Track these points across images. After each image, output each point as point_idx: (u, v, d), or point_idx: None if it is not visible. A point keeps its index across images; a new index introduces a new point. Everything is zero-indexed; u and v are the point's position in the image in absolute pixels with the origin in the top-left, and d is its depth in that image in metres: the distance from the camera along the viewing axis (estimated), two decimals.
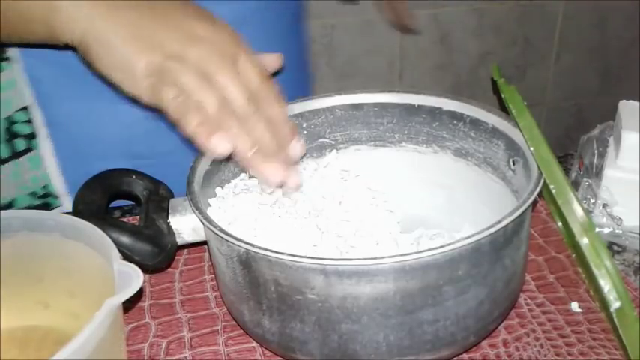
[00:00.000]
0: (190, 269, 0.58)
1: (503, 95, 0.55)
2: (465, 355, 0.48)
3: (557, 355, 0.48)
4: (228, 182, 0.54)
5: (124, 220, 0.63)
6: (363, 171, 0.56)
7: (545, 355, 0.48)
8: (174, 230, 0.51)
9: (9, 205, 0.69)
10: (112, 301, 0.38)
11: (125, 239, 0.49)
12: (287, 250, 0.42)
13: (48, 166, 0.68)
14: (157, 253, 0.50)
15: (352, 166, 0.57)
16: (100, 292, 0.41)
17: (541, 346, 0.49)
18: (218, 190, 0.53)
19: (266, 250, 0.41)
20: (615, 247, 0.59)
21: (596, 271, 0.44)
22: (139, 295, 0.54)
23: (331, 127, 0.58)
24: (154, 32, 0.48)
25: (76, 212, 0.50)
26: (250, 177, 0.55)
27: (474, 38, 1.66)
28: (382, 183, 0.55)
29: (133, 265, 0.41)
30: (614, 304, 0.44)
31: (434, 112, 0.56)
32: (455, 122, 0.56)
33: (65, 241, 0.46)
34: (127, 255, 0.49)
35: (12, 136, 0.66)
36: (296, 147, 0.49)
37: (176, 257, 0.57)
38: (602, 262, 0.44)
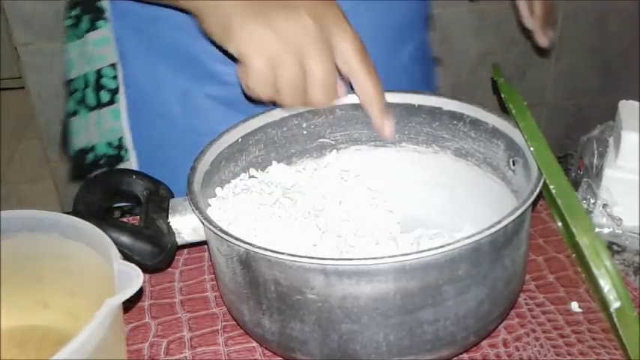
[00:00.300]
0: (190, 269, 0.58)
1: (503, 95, 0.55)
2: (465, 355, 0.48)
3: (557, 355, 0.48)
4: (228, 182, 0.54)
5: (124, 220, 0.63)
6: (363, 171, 0.56)
7: (545, 355, 0.48)
8: (174, 230, 0.51)
9: (91, 149, 0.76)
10: (112, 301, 0.38)
11: (125, 239, 0.49)
12: (287, 250, 0.42)
13: (122, 119, 0.74)
14: (157, 253, 0.50)
15: (352, 166, 0.57)
16: (100, 292, 0.41)
17: (541, 346, 0.49)
18: (218, 190, 0.53)
19: (266, 250, 0.41)
20: (615, 247, 0.59)
21: (596, 271, 0.44)
22: (139, 295, 0.54)
23: (331, 127, 0.58)
24: (265, 5, 0.49)
25: (76, 212, 0.50)
26: (250, 177, 0.55)
27: (473, 38, 1.66)
28: (382, 183, 0.55)
29: (133, 265, 0.40)
30: (614, 304, 0.44)
31: (434, 112, 0.56)
32: (455, 122, 0.56)
33: (65, 241, 0.46)
34: (127, 255, 0.49)
35: (99, 87, 0.73)
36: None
37: (176, 257, 0.57)
38: (602, 262, 0.44)
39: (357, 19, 0.66)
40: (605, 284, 0.44)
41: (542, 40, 0.76)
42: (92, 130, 0.76)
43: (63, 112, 0.81)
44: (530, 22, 0.76)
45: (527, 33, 0.77)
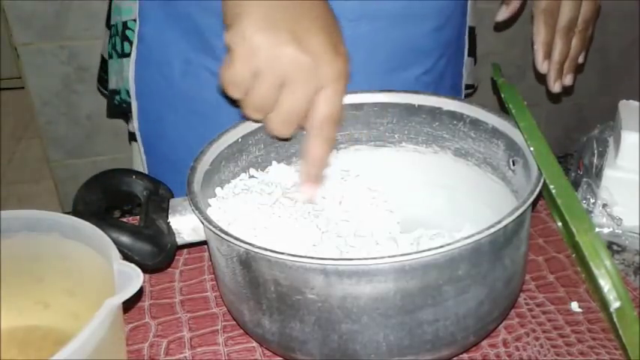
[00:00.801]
0: (190, 269, 0.58)
1: (503, 95, 0.55)
2: (465, 355, 0.48)
3: (557, 355, 0.48)
4: (228, 182, 0.54)
5: (124, 220, 0.63)
6: (363, 171, 0.56)
7: (545, 355, 0.48)
8: (174, 230, 0.51)
9: (118, 92, 0.82)
10: (112, 301, 0.38)
11: (125, 239, 0.49)
12: (287, 250, 0.42)
13: (130, 70, 0.77)
14: (157, 253, 0.50)
15: (352, 166, 0.57)
16: (100, 292, 0.41)
17: (541, 346, 0.49)
18: (218, 190, 0.53)
19: (266, 250, 0.41)
20: (615, 247, 0.59)
21: (596, 271, 0.44)
22: (139, 295, 0.54)
23: None
24: (278, 15, 0.49)
25: (76, 212, 0.50)
26: (250, 177, 0.55)
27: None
28: (382, 183, 0.55)
29: (132, 265, 0.40)
30: (614, 304, 0.44)
31: (434, 112, 0.56)
32: (455, 122, 0.56)
33: (65, 241, 0.46)
34: (126, 255, 0.49)
35: (124, 37, 0.78)
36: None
37: (176, 257, 0.57)
38: (602, 262, 0.44)
39: (358, 31, 0.66)
40: (605, 284, 0.44)
41: (555, 86, 0.69)
42: (119, 76, 0.81)
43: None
44: (542, 67, 0.69)
45: (539, 77, 0.71)
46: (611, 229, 0.59)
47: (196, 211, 0.46)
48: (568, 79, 0.71)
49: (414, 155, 0.58)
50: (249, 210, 0.49)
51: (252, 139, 0.56)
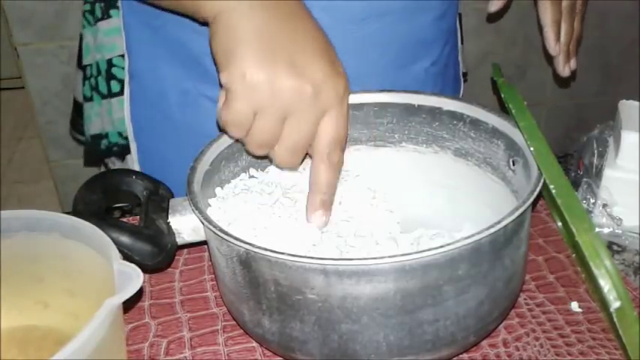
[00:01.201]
0: (190, 269, 0.58)
1: (503, 95, 0.55)
2: (465, 355, 0.48)
3: (557, 355, 0.48)
4: (228, 182, 0.54)
5: (124, 220, 0.63)
6: (363, 171, 0.56)
7: (545, 355, 0.48)
8: (174, 230, 0.51)
9: (105, 136, 0.77)
10: (112, 301, 0.38)
11: (125, 239, 0.49)
12: (287, 250, 0.42)
13: (125, 109, 0.74)
14: (157, 253, 0.50)
15: (352, 166, 0.57)
16: (100, 292, 0.41)
17: (541, 346, 0.49)
18: (218, 190, 0.53)
19: (266, 250, 0.41)
20: (615, 247, 0.59)
21: (596, 271, 0.44)
22: (138, 295, 0.54)
23: None
24: (273, 46, 0.47)
25: (76, 212, 0.50)
26: (250, 177, 0.55)
27: (474, 38, 1.66)
28: (382, 183, 0.55)
29: (132, 265, 0.40)
30: (614, 304, 0.44)
31: (434, 112, 0.56)
32: (455, 122, 0.56)
33: (65, 241, 0.46)
34: (126, 255, 0.49)
35: (110, 77, 0.74)
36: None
37: (176, 257, 0.57)
38: (602, 262, 0.44)
39: (367, 30, 0.65)
40: (605, 284, 0.44)
41: (565, 70, 0.71)
42: (105, 118, 0.77)
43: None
44: (554, 49, 0.69)
45: (549, 59, 0.72)
46: (611, 229, 0.59)
47: (196, 211, 0.46)
48: (573, 62, 0.71)
49: (414, 155, 0.58)
50: (249, 210, 0.49)
51: None
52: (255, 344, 0.50)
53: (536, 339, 0.49)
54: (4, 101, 2.26)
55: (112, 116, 0.76)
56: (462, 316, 0.43)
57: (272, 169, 0.56)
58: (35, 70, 1.55)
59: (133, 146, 0.75)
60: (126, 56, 0.72)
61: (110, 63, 0.74)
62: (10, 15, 1.49)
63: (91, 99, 0.77)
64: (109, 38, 0.73)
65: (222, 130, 0.50)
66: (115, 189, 0.54)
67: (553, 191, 0.46)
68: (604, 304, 0.46)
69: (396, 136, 0.58)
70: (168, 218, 0.51)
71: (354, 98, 0.58)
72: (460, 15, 0.83)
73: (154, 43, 0.69)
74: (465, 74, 0.87)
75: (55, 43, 1.53)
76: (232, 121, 0.48)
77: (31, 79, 1.57)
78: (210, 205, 0.51)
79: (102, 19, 0.73)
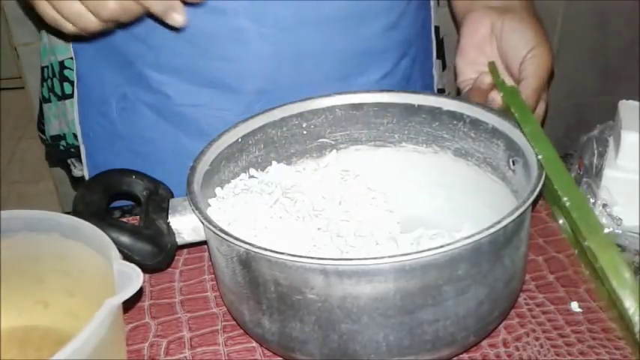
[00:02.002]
0: (190, 269, 0.58)
1: (502, 95, 0.55)
2: (464, 355, 0.48)
3: (557, 355, 0.48)
4: (228, 182, 0.54)
5: (124, 220, 0.63)
6: (363, 171, 0.56)
7: (545, 355, 0.48)
8: (174, 230, 0.51)
9: (63, 137, 0.77)
10: (112, 301, 0.38)
11: (125, 239, 0.49)
12: (287, 250, 0.42)
13: (75, 112, 0.74)
14: (157, 253, 0.50)
15: (352, 166, 0.57)
16: (99, 292, 0.41)
17: (541, 346, 0.49)
18: (218, 190, 0.53)
19: (266, 250, 0.41)
20: None
21: (619, 291, 0.42)
22: (138, 295, 0.54)
23: (331, 127, 0.58)
24: None
25: (76, 212, 0.50)
26: (250, 177, 0.55)
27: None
28: (382, 183, 0.55)
29: (133, 265, 0.40)
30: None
31: (434, 112, 0.56)
32: (455, 122, 0.56)
33: (65, 241, 0.46)
34: (126, 255, 0.49)
35: (62, 78, 0.74)
36: None
37: (176, 257, 0.57)
38: (625, 281, 0.43)
39: (298, 39, 0.63)
40: (631, 306, 0.42)
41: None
42: (62, 120, 0.76)
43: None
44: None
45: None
46: (611, 229, 0.59)
47: (196, 211, 0.46)
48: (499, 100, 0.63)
49: (414, 155, 0.58)
50: (249, 210, 0.49)
51: (252, 139, 0.56)
52: (255, 344, 0.50)
53: (536, 339, 0.49)
54: (4, 101, 2.25)
55: (66, 118, 0.76)
56: (461, 316, 0.43)
57: (272, 169, 0.56)
58: (35, 70, 1.55)
59: (82, 149, 0.75)
60: (73, 59, 0.72)
61: (62, 65, 0.73)
62: (10, 15, 1.49)
63: (49, 100, 0.77)
64: (61, 40, 0.72)
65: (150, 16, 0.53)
66: (115, 189, 0.54)
67: (567, 204, 0.45)
68: (626, 322, 0.44)
69: (396, 136, 0.58)
70: (168, 218, 0.51)
71: (354, 98, 0.58)
72: (438, 28, 0.80)
73: (96, 47, 0.69)
74: (442, 90, 0.84)
75: None
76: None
77: (31, 79, 1.56)
78: (210, 205, 0.51)
79: None
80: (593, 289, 0.53)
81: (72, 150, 0.77)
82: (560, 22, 1.74)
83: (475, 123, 0.54)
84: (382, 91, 0.58)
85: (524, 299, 0.53)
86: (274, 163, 0.57)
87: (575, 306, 0.52)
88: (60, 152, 0.79)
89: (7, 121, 2.20)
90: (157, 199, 0.53)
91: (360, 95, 0.58)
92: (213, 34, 0.63)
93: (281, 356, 0.49)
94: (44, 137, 0.82)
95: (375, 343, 0.43)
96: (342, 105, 0.58)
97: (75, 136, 0.75)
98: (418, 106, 0.57)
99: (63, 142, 0.78)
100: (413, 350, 0.44)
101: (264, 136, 0.56)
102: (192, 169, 0.50)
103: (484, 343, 0.49)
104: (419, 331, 0.43)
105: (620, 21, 1.78)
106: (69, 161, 0.81)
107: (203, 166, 0.51)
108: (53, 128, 0.78)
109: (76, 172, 0.80)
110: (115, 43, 0.67)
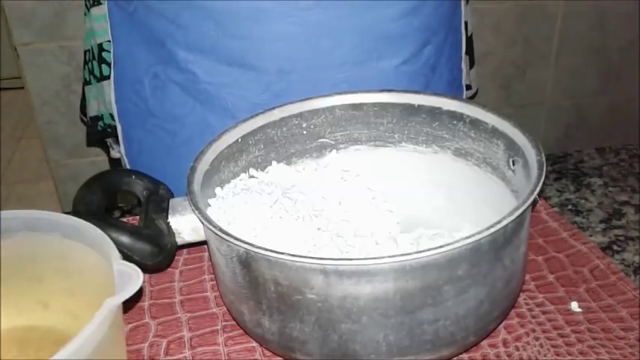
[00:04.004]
0: (190, 269, 0.58)
1: None
2: (464, 355, 0.48)
3: (557, 354, 0.48)
4: (228, 182, 0.54)
5: (124, 220, 0.63)
6: (363, 171, 0.56)
7: (545, 355, 0.48)
8: (174, 230, 0.51)
9: (101, 118, 0.80)
10: (112, 301, 0.38)
11: (125, 239, 0.49)
12: (287, 250, 0.42)
13: (111, 93, 0.76)
14: (157, 253, 0.50)
15: (352, 166, 0.57)
16: (99, 292, 0.41)
17: (541, 346, 0.49)
18: (218, 190, 0.53)
19: (266, 250, 0.41)
20: (615, 247, 0.59)
21: None
22: (138, 295, 0.54)
23: (331, 127, 0.58)
24: None
25: (76, 212, 0.50)
26: (250, 177, 0.55)
27: (473, 38, 1.66)
28: (382, 183, 0.55)
29: (132, 265, 0.40)
30: None
31: (434, 112, 0.56)
32: (455, 122, 0.56)
33: (65, 241, 0.46)
34: (126, 255, 0.49)
35: (101, 60, 0.76)
36: None
37: (176, 257, 0.57)
38: None
39: (316, 18, 0.64)
40: None
41: None
42: (100, 101, 0.79)
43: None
44: None
45: None
46: None
47: (196, 211, 0.46)
48: None
49: (414, 155, 0.58)
50: (249, 210, 0.49)
51: (252, 139, 0.56)
52: (255, 344, 0.50)
53: (536, 339, 0.49)
54: (4, 101, 2.26)
55: (104, 99, 0.78)
56: (461, 316, 0.43)
57: (272, 169, 0.56)
58: (35, 70, 1.55)
59: (119, 127, 0.78)
60: (111, 42, 0.74)
61: (101, 47, 0.76)
62: (10, 15, 1.49)
63: (89, 82, 0.80)
64: (99, 24, 0.75)
65: None
66: (115, 189, 0.55)
67: None
68: None
69: (396, 136, 0.58)
70: (168, 218, 0.51)
71: (354, 98, 0.58)
72: (466, 23, 0.80)
73: (130, 28, 0.71)
74: (470, 87, 0.84)
75: (55, 43, 1.53)
76: None
77: (31, 79, 1.57)
78: (210, 205, 0.51)
79: (94, 5, 0.75)
80: (593, 289, 0.53)
81: (109, 130, 0.80)
82: (560, 22, 1.74)
83: (475, 123, 0.54)
84: (382, 91, 0.58)
85: (524, 299, 0.53)
86: (274, 163, 0.57)
87: (575, 306, 0.52)
88: (98, 132, 0.82)
89: (7, 121, 2.21)
90: (157, 199, 0.53)
91: (360, 95, 0.58)
92: (234, 13, 0.65)
93: (281, 356, 0.49)
94: (85, 119, 0.85)
95: (375, 343, 0.43)
96: (342, 105, 0.58)
97: (112, 116, 0.78)
98: (418, 106, 0.57)
99: (100, 123, 0.80)
100: (413, 350, 0.44)
101: (264, 136, 0.56)
102: (192, 169, 0.50)
103: (484, 343, 0.49)
104: (419, 331, 0.43)
105: (620, 21, 1.78)
106: (108, 143, 0.84)
107: (203, 166, 0.51)
108: (92, 109, 0.81)
109: (114, 154, 0.83)
110: (148, 24, 0.69)
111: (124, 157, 0.79)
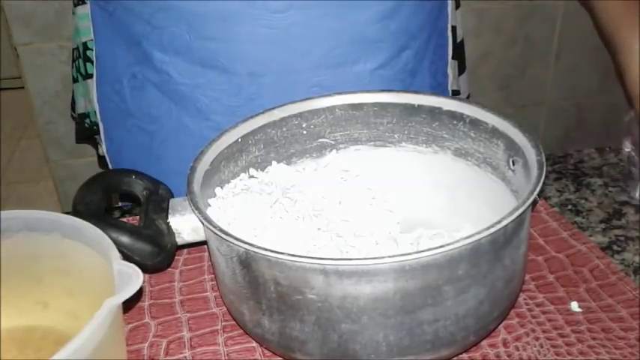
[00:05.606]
0: (190, 269, 0.58)
1: None
2: (464, 355, 0.48)
3: (557, 355, 0.48)
4: (228, 182, 0.54)
5: (124, 220, 0.63)
6: (363, 171, 0.56)
7: (545, 355, 0.48)
8: (174, 230, 0.51)
9: (87, 115, 0.80)
10: (112, 301, 0.38)
11: (125, 239, 0.49)
12: (287, 250, 0.42)
13: (93, 91, 0.77)
14: (157, 253, 0.50)
15: (352, 166, 0.57)
16: (99, 292, 0.41)
17: (541, 346, 0.49)
18: (218, 190, 0.53)
19: (266, 250, 0.41)
20: (615, 247, 0.59)
21: None
22: (138, 295, 0.54)
23: (331, 127, 0.58)
24: None
25: (76, 212, 0.50)
26: (250, 177, 0.55)
27: (474, 38, 1.66)
28: (382, 183, 0.55)
29: (132, 265, 0.40)
30: None
31: (433, 112, 0.56)
32: (455, 122, 0.56)
33: (65, 241, 0.46)
34: (126, 255, 0.49)
35: (86, 59, 0.77)
36: None
37: (176, 257, 0.57)
38: None
39: (289, 22, 0.64)
40: None
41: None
42: (87, 98, 0.80)
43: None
44: None
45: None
46: None
47: (196, 211, 0.46)
48: None
49: (413, 155, 0.58)
50: (249, 210, 0.49)
51: (252, 139, 0.56)
52: (255, 344, 0.50)
53: (536, 339, 0.49)
54: (4, 101, 2.26)
55: (90, 97, 0.79)
56: (461, 316, 0.43)
57: (272, 169, 0.56)
58: (35, 70, 1.55)
59: (101, 127, 0.78)
60: (93, 40, 0.75)
61: (85, 46, 0.76)
62: (10, 15, 1.49)
63: (77, 80, 0.80)
64: (84, 22, 0.76)
65: None
66: (115, 189, 0.55)
67: None
68: None
69: (395, 136, 0.58)
70: (168, 218, 0.51)
71: (354, 98, 0.58)
72: (455, 28, 0.79)
73: (111, 28, 0.71)
74: (458, 92, 0.83)
75: (55, 43, 1.53)
76: None
77: (31, 79, 1.57)
78: (210, 205, 0.51)
79: (79, 4, 0.76)
80: (593, 289, 0.53)
81: (95, 127, 0.81)
82: (560, 22, 1.74)
83: (475, 123, 0.54)
84: (382, 91, 0.58)
85: (524, 299, 0.53)
86: (274, 163, 0.57)
87: (575, 306, 0.52)
88: (85, 129, 0.82)
89: (7, 121, 2.21)
90: (157, 199, 0.53)
91: (360, 95, 0.58)
92: (205, 15, 0.65)
93: (281, 356, 0.49)
94: (74, 115, 0.85)
95: (375, 343, 0.43)
96: (342, 105, 0.58)
97: (95, 113, 0.79)
98: (418, 106, 0.57)
99: (87, 120, 0.81)
100: (413, 350, 0.44)
101: (264, 136, 0.56)
102: (192, 169, 0.50)
103: (484, 343, 0.49)
104: (419, 331, 0.43)
105: None
106: (97, 140, 0.84)
107: (203, 166, 0.51)
108: (80, 107, 0.82)
109: (101, 151, 0.83)
110: (127, 24, 0.69)
111: (106, 155, 0.79)
